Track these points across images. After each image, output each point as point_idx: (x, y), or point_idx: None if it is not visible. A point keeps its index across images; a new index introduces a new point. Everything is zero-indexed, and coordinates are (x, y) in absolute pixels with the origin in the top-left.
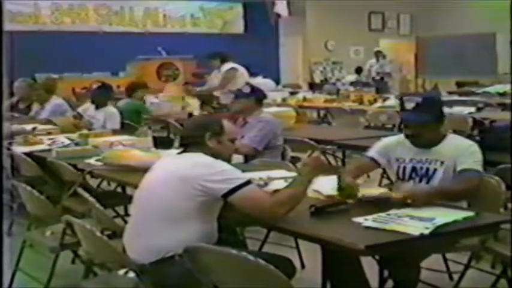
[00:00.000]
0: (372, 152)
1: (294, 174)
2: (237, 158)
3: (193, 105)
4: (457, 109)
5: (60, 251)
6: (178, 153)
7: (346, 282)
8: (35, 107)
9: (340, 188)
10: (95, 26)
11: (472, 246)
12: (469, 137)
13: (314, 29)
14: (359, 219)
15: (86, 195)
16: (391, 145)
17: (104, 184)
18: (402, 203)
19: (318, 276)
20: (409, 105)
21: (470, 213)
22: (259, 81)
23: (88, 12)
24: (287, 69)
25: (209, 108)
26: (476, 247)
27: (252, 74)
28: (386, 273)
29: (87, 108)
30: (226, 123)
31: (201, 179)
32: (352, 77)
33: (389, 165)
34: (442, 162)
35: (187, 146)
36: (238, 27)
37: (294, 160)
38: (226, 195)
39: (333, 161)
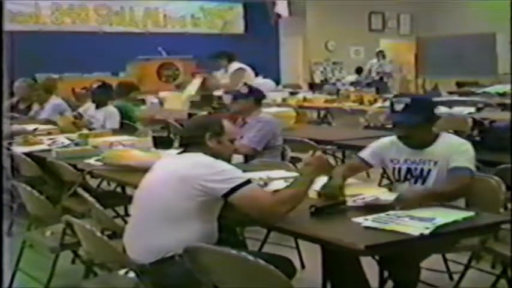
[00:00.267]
0: (363, 153)
1: (293, 174)
2: (237, 158)
3: (195, 84)
4: (457, 109)
5: (60, 251)
6: (178, 153)
7: (346, 283)
8: (35, 107)
9: (323, 188)
10: (95, 26)
11: (472, 247)
12: (469, 137)
13: (314, 29)
14: (359, 219)
15: (86, 195)
16: (386, 146)
17: (104, 184)
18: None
19: (318, 276)
20: (398, 107)
21: (470, 213)
22: (259, 82)
23: (88, 12)
24: (287, 70)
25: (209, 108)
26: (476, 247)
27: (257, 74)
28: (386, 273)
29: (88, 108)
30: (227, 123)
31: (201, 179)
32: (353, 77)
33: (384, 166)
34: (435, 163)
35: (187, 146)
36: (239, 28)
37: (294, 160)
38: (226, 195)
39: (332, 161)
